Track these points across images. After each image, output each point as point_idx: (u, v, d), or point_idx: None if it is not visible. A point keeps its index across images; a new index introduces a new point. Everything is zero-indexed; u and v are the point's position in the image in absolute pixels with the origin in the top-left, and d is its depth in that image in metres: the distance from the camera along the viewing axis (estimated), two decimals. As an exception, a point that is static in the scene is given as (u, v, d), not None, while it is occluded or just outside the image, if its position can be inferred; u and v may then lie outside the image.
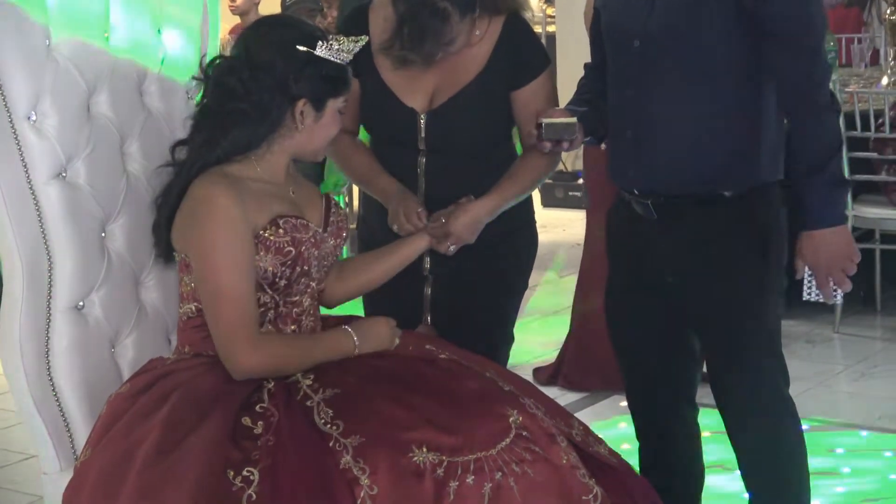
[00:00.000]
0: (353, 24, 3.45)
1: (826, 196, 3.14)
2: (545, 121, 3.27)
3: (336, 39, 2.95)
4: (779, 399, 3.33)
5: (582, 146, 3.62)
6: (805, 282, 3.19)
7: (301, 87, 2.92)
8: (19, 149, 2.92)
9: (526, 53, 3.46)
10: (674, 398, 3.49)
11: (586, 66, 3.58)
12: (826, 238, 3.14)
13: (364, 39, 3.03)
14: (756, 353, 3.28)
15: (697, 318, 3.34)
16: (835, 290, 3.18)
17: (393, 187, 3.41)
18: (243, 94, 2.91)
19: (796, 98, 3.15)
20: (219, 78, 2.94)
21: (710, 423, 3.63)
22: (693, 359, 3.47)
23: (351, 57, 2.97)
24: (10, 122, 2.90)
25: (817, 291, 3.19)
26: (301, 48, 2.92)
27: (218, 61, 2.98)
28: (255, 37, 2.98)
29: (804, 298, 3.20)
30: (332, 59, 2.94)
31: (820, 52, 3.16)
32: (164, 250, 3.01)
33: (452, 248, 3.33)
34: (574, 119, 3.28)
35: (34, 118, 2.92)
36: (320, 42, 2.93)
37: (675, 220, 3.27)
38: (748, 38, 3.14)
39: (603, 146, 3.53)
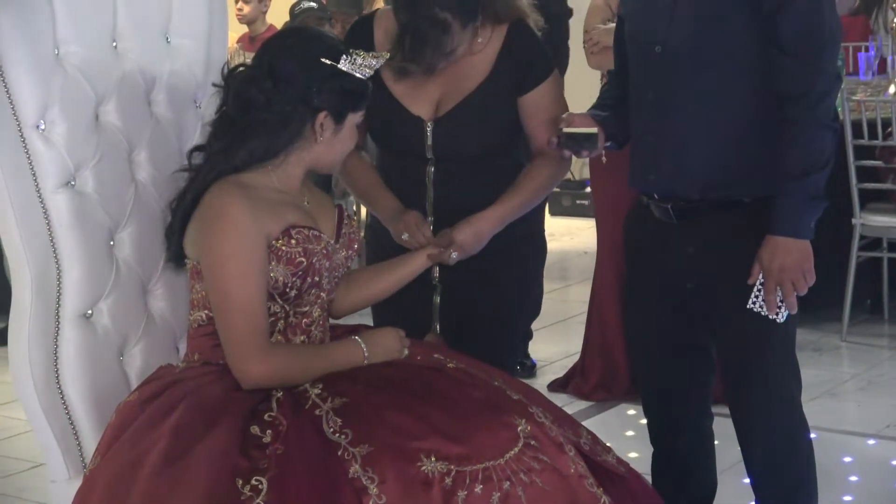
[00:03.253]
0: (358, 34, 3.46)
1: (798, 206, 3.14)
2: (566, 130, 3.27)
3: (358, 54, 2.95)
4: (791, 405, 3.34)
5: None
6: (755, 288, 3.18)
7: (323, 99, 2.93)
8: (28, 157, 2.92)
9: (530, 59, 3.46)
10: (687, 403, 3.49)
11: (609, 73, 3.59)
12: (787, 246, 3.14)
13: (386, 55, 3.04)
14: (769, 359, 3.29)
15: (714, 323, 3.34)
16: (780, 306, 3.18)
17: (395, 205, 3.42)
18: (264, 104, 2.91)
19: (795, 109, 3.14)
20: (240, 87, 2.94)
21: (720, 431, 3.63)
22: (709, 366, 3.47)
23: (372, 72, 2.98)
24: (19, 130, 2.91)
25: (762, 301, 3.19)
26: (325, 61, 2.92)
27: (240, 70, 2.98)
28: (279, 47, 2.98)
29: (748, 306, 3.19)
30: (355, 73, 2.95)
31: (827, 68, 3.16)
32: (175, 255, 3.01)
33: (454, 255, 3.33)
34: (595, 130, 3.29)
35: (43, 127, 2.93)
36: (344, 56, 2.93)
37: (694, 224, 3.28)
38: (764, 48, 3.15)
39: (604, 159, 3.53)
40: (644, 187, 3.38)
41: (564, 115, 3.35)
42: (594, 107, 3.47)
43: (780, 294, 3.17)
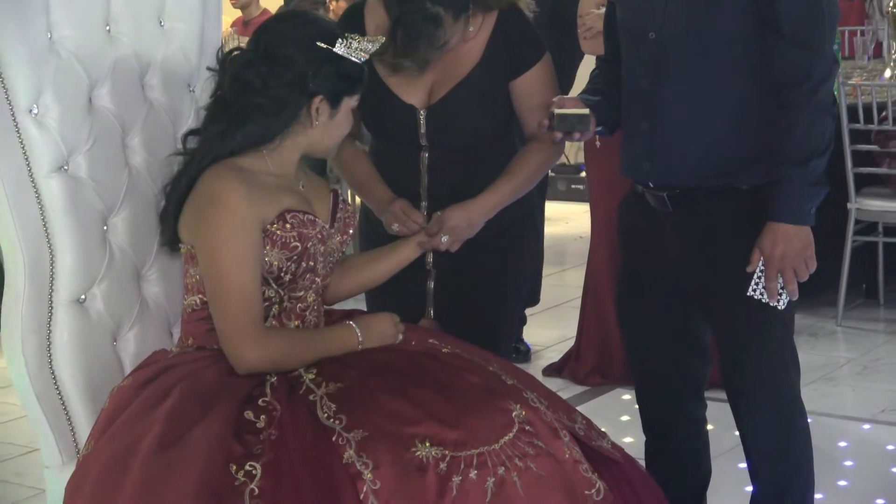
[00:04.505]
0: (349, 22, 3.45)
1: (799, 192, 3.13)
2: (557, 111, 3.26)
3: (353, 38, 2.95)
4: (789, 391, 3.33)
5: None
6: (755, 276, 3.18)
7: (319, 83, 2.93)
8: (21, 142, 2.91)
9: (521, 43, 3.45)
10: (682, 392, 3.49)
11: (598, 58, 3.58)
12: (788, 232, 3.14)
13: (381, 39, 3.03)
14: (769, 345, 3.28)
15: (711, 310, 3.33)
16: (780, 292, 3.18)
17: (388, 196, 3.42)
18: (260, 88, 2.91)
19: (796, 94, 3.13)
20: (236, 71, 2.94)
21: (715, 416, 3.63)
22: (703, 353, 3.47)
23: (367, 56, 2.97)
24: (12, 115, 2.90)
25: (763, 288, 3.19)
26: (321, 45, 2.92)
27: (236, 53, 2.98)
28: (276, 31, 2.98)
29: (748, 293, 3.19)
30: (351, 57, 2.94)
31: (825, 51, 3.15)
32: (170, 239, 3.01)
33: (445, 239, 3.32)
34: (587, 111, 3.28)
35: (36, 111, 2.92)
36: (340, 40, 2.93)
37: (690, 212, 3.27)
38: (762, 34, 3.14)
39: (598, 143, 3.52)
40: (639, 176, 3.36)
41: (555, 98, 3.34)
42: (584, 92, 3.46)
43: (781, 281, 3.16)
